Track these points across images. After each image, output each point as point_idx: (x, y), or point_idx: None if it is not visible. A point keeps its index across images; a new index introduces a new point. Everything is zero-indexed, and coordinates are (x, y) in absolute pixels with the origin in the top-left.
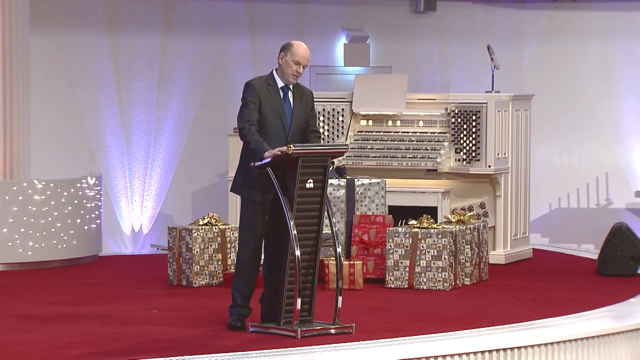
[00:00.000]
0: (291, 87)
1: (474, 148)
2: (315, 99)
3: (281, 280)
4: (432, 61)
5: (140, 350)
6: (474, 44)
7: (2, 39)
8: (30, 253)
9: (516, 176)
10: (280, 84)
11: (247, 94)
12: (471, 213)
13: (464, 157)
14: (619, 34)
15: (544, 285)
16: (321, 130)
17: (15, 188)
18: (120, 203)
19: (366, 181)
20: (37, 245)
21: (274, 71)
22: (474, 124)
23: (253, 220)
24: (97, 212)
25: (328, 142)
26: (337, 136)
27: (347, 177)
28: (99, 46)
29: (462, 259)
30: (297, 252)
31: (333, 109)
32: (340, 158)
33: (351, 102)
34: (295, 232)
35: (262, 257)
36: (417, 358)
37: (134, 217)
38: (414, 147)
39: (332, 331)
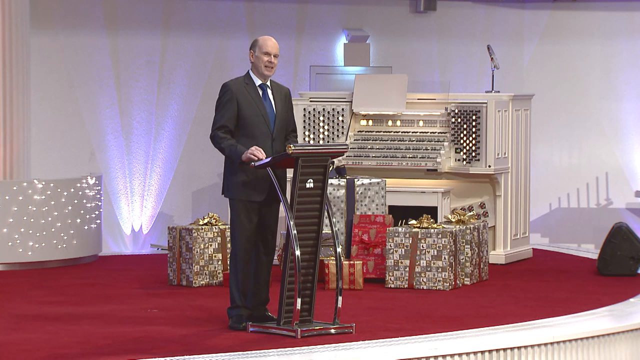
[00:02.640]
0: (269, 84)
1: (474, 148)
2: (315, 99)
3: (281, 280)
4: (432, 61)
5: (140, 350)
6: (474, 44)
7: (2, 39)
8: (30, 253)
9: (516, 176)
10: (257, 82)
11: (222, 97)
12: (471, 213)
13: (464, 157)
14: (619, 34)
15: (544, 285)
16: (321, 130)
17: (15, 188)
18: (120, 203)
19: (366, 181)
20: (37, 245)
21: (250, 71)
22: (474, 123)
23: (247, 218)
24: (97, 212)
25: (328, 142)
26: (337, 136)
27: (347, 177)
28: (99, 46)
29: (462, 259)
30: (297, 252)
31: (333, 109)
32: (340, 158)
33: (351, 102)
34: (295, 232)
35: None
36: (417, 358)
37: (134, 217)
38: (414, 147)
39: (332, 331)
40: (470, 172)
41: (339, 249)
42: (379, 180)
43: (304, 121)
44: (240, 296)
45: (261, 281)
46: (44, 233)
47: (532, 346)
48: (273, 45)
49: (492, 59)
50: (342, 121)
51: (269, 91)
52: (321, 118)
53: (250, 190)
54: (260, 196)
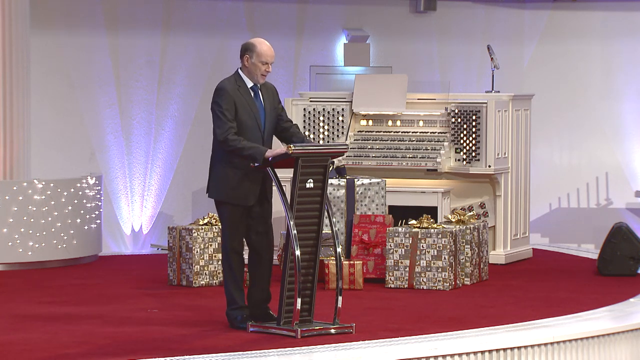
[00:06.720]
0: (259, 85)
1: (474, 148)
2: (315, 99)
3: (281, 280)
4: (432, 61)
5: (140, 350)
6: (474, 44)
7: (2, 39)
8: (30, 253)
9: (516, 176)
10: (249, 84)
11: (221, 100)
12: (471, 213)
13: (464, 157)
14: (619, 34)
15: (544, 285)
16: (321, 130)
17: (15, 188)
18: (120, 203)
19: (366, 181)
20: (37, 245)
21: (240, 71)
22: (474, 123)
23: (240, 220)
24: (97, 212)
25: (328, 142)
26: (337, 136)
27: (347, 177)
28: (99, 46)
29: (462, 259)
30: (297, 252)
31: (333, 109)
32: (340, 158)
33: (351, 102)
34: (295, 232)
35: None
36: (417, 358)
37: (134, 217)
38: (414, 147)
39: (332, 331)
40: (470, 172)
41: (339, 249)
42: (379, 180)
43: (304, 121)
44: (243, 298)
45: (261, 285)
46: (44, 233)
47: (532, 346)
48: (271, 54)
49: (492, 59)
50: (342, 121)
51: (259, 92)
52: (321, 118)
53: (242, 194)
54: (251, 200)
